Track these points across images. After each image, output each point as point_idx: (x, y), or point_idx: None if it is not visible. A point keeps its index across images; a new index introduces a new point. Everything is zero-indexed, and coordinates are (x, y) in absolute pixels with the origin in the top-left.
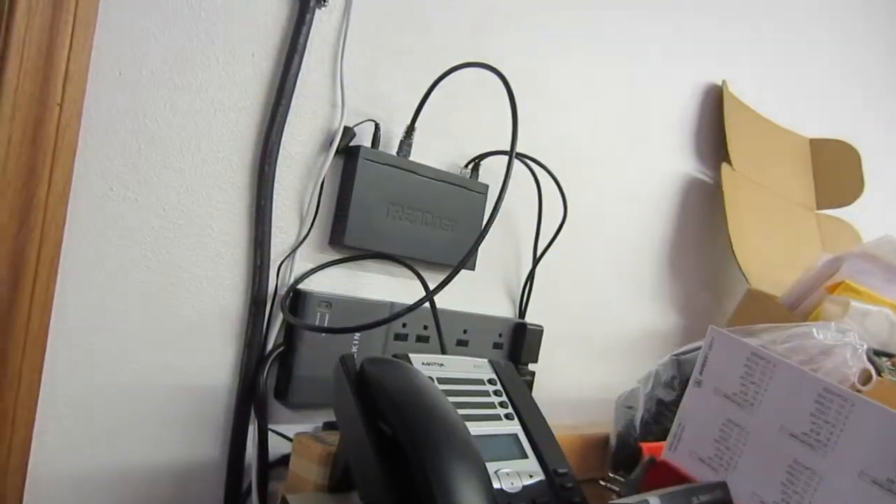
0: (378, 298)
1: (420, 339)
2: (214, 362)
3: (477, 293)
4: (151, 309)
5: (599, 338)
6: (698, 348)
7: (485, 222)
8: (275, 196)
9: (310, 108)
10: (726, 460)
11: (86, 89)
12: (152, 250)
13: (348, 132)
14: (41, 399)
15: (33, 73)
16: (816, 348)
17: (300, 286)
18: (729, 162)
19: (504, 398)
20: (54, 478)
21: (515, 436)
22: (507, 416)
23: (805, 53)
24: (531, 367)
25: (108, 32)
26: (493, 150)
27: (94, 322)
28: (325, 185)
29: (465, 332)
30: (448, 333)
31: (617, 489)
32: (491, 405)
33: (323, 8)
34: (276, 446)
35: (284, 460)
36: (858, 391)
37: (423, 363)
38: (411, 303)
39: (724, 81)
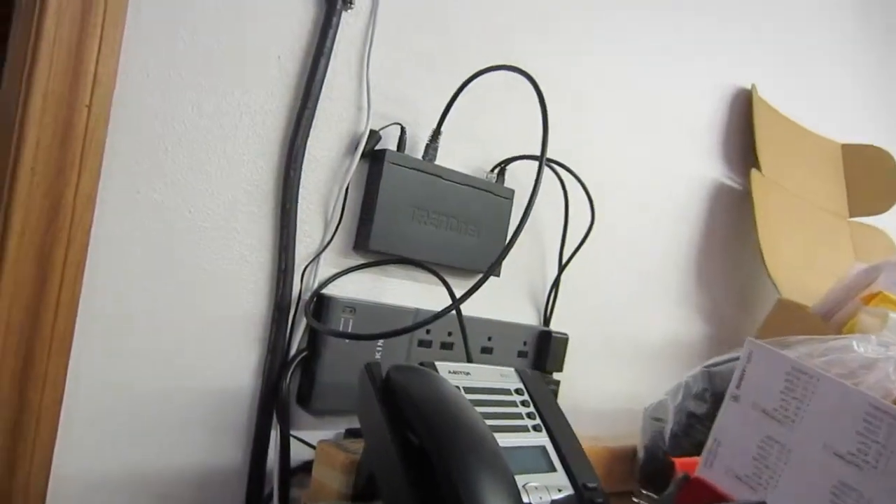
0: (402, 304)
1: (444, 346)
2: (237, 366)
3: (501, 300)
4: (175, 312)
5: (624, 347)
6: (731, 360)
7: (510, 227)
8: (300, 200)
9: (336, 112)
10: (766, 479)
11: (114, 91)
12: (177, 253)
13: (374, 136)
14: (66, 400)
15: (62, 75)
16: (856, 362)
17: (324, 291)
18: (758, 167)
19: (531, 409)
20: (77, 478)
21: (543, 448)
22: (535, 428)
23: (837, 56)
24: (555, 375)
25: (136, 34)
26: (520, 154)
27: (118, 324)
28: (350, 189)
29: (489, 339)
30: (472, 341)
31: None
32: (518, 416)
33: (349, 10)
34: (298, 453)
35: (306, 467)
36: None
37: (449, 371)
38: (435, 309)
39: (752, 85)
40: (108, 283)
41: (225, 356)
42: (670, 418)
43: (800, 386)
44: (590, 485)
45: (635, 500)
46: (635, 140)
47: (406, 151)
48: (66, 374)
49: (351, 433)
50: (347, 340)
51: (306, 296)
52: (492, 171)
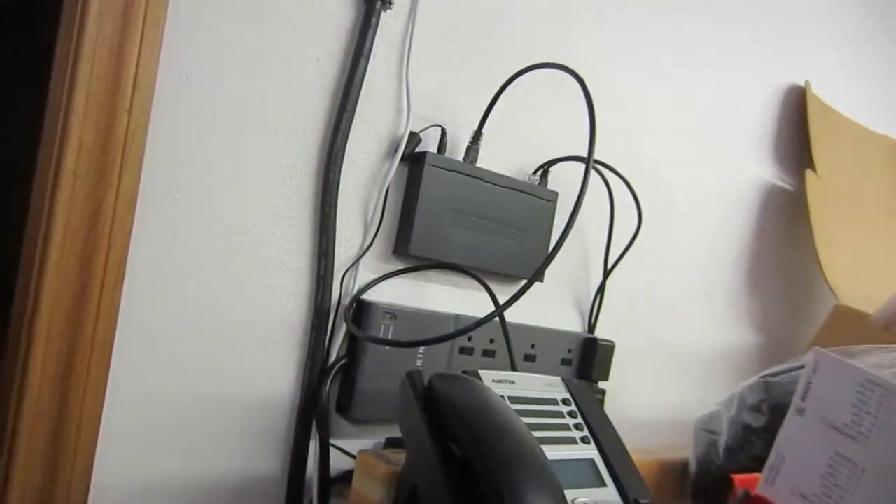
0: (443, 310)
1: (486, 353)
2: (276, 374)
3: (545, 306)
4: (214, 318)
5: (672, 354)
6: (791, 370)
7: (554, 231)
8: (339, 204)
9: (375, 114)
10: (836, 499)
11: (153, 95)
12: (216, 258)
13: (414, 138)
14: (106, 407)
15: (104, 78)
16: None
17: (364, 297)
18: (813, 168)
19: (579, 420)
20: (117, 487)
21: (592, 461)
22: (584, 440)
23: (894, 50)
24: (601, 384)
25: (175, 37)
26: (564, 155)
27: (157, 330)
28: (389, 192)
29: (532, 346)
30: (515, 348)
31: None
32: (566, 427)
33: (388, 10)
34: (338, 462)
35: (345, 477)
36: None
37: (493, 380)
38: (476, 315)
39: (806, 82)
40: (147, 288)
41: (264, 363)
42: (724, 430)
43: (874, 400)
44: (642, 501)
45: None
46: (683, 140)
47: (447, 153)
48: (106, 381)
49: (391, 443)
50: (388, 347)
51: (346, 301)
52: (534, 172)
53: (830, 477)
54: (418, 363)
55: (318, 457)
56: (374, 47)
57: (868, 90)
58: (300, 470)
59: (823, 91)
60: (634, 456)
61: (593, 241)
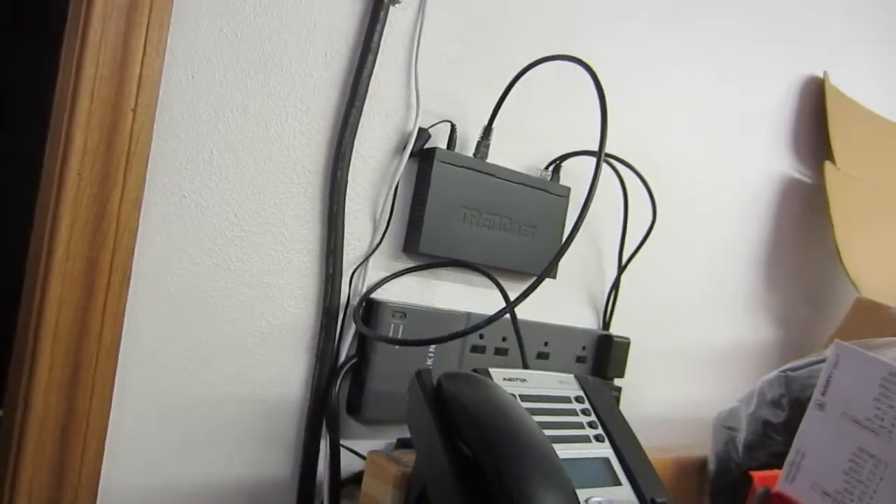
0: (454, 308)
1: (499, 351)
2: (285, 374)
3: (558, 302)
4: (221, 319)
5: (688, 351)
6: (811, 364)
7: (567, 227)
8: (347, 202)
9: (383, 110)
10: (858, 495)
11: (159, 94)
12: (223, 258)
13: (423, 134)
14: (113, 411)
15: (108, 78)
16: None
17: (373, 295)
18: (832, 160)
19: (593, 418)
20: (125, 491)
21: (607, 460)
22: (597, 438)
23: None
24: (617, 382)
25: (181, 36)
26: (576, 150)
27: (164, 332)
28: (399, 189)
29: (545, 344)
30: (528, 346)
31: None
32: (579, 425)
33: (397, 5)
34: (349, 464)
35: (356, 478)
36: None
37: (504, 378)
38: (489, 313)
39: (825, 73)
40: (153, 290)
41: (272, 364)
42: (743, 427)
43: None
44: (659, 500)
45: None
46: (698, 133)
47: (456, 149)
48: (113, 385)
49: (402, 443)
50: (398, 346)
51: (355, 301)
52: (546, 168)
53: (853, 472)
54: (429, 362)
55: (328, 458)
56: (382, 42)
57: (888, 80)
58: (311, 472)
59: (842, 82)
60: (651, 454)
61: (607, 237)
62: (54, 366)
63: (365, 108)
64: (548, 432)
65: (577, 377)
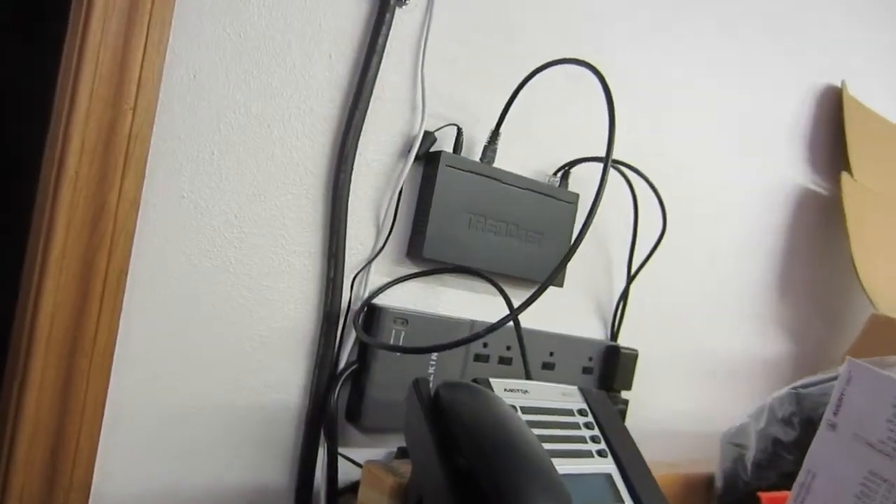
0: (458, 316)
1: (503, 360)
2: (284, 380)
3: (565, 312)
4: (219, 323)
5: (698, 364)
6: (823, 381)
7: (575, 235)
8: (350, 205)
9: (388, 112)
10: None
11: (159, 93)
12: (222, 260)
13: (429, 137)
14: (106, 416)
15: (108, 77)
16: None
17: (375, 301)
18: (849, 171)
19: (596, 432)
20: (118, 498)
21: (609, 476)
22: (600, 453)
23: None
24: (624, 394)
25: (183, 35)
26: (585, 156)
27: (160, 335)
28: (403, 193)
29: (551, 354)
30: (533, 355)
31: None
32: (581, 439)
33: (404, 7)
34: (347, 472)
35: (354, 487)
36: None
37: (505, 389)
38: (493, 320)
39: (842, 82)
40: (149, 293)
41: (271, 369)
42: (752, 444)
43: None
44: None
45: None
46: (711, 141)
47: (463, 153)
48: (107, 388)
49: (402, 452)
50: (399, 354)
51: (356, 306)
52: (555, 174)
53: (864, 497)
54: (431, 370)
55: (326, 467)
56: (388, 44)
57: None
58: (308, 480)
59: (860, 92)
60: (657, 469)
61: (616, 245)
62: (47, 368)
63: (369, 110)
64: (548, 446)
65: (580, 389)
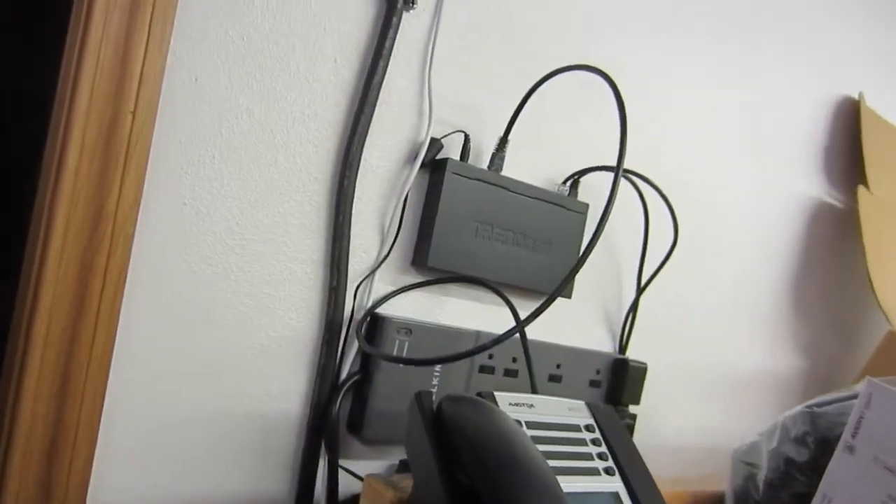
0: (463, 326)
1: (508, 373)
2: (285, 389)
3: (573, 323)
4: (219, 329)
5: (709, 379)
6: (839, 400)
7: (584, 246)
8: (354, 212)
9: (394, 118)
10: None
11: (160, 95)
12: (223, 267)
13: (435, 144)
14: (103, 422)
15: (109, 73)
16: None
17: (378, 310)
18: (865, 184)
19: (603, 448)
20: None
21: (616, 495)
22: (607, 471)
23: None
24: (632, 409)
25: (185, 37)
26: (595, 165)
27: (159, 341)
28: (408, 200)
29: (558, 366)
30: (539, 368)
31: None
32: (588, 456)
33: (411, 10)
34: (348, 485)
35: (354, 501)
36: None
37: (510, 403)
38: (500, 332)
39: (860, 94)
40: (148, 298)
41: (272, 379)
42: (764, 464)
43: None
44: None
45: None
46: (725, 152)
47: (470, 161)
48: (104, 395)
49: (405, 465)
50: (402, 365)
51: (359, 315)
52: (564, 182)
53: None
54: (435, 381)
55: (326, 479)
56: (394, 48)
57: None
58: (308, 492)
59: (878, 104)
60: (666, 487)
61: (626, 257)
62: (43, 373)
63: (375, 115)
64: (554, 463)
65: (588, 404)
